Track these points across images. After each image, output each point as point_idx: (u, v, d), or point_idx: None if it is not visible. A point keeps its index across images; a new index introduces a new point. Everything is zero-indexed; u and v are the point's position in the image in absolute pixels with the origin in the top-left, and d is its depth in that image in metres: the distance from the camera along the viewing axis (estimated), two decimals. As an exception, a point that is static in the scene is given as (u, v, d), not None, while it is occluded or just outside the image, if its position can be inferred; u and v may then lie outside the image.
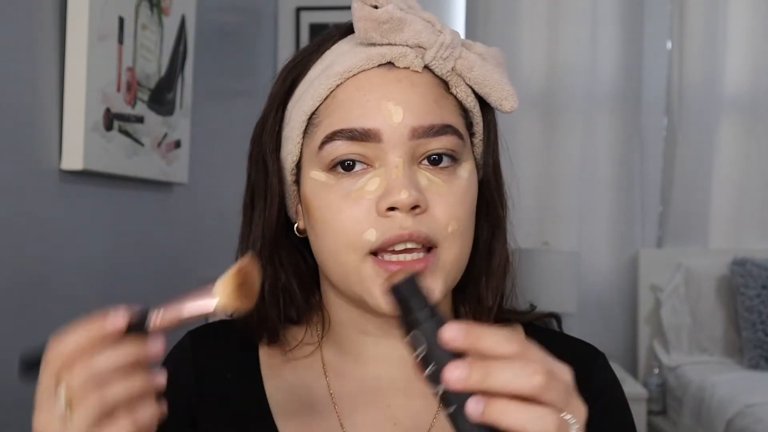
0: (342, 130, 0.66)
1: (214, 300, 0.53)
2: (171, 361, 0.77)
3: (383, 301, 0.64)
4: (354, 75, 0.68)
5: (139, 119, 1.60)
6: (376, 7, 0.67)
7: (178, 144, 1.82)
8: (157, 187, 1.79)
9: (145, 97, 1.63)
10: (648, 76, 3.21)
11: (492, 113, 0.74)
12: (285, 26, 3.13)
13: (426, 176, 0.67)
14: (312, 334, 0.77)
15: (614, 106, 3.18)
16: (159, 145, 1.71)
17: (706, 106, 3.13)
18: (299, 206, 0.73)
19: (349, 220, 0.65)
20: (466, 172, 0.69)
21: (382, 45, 0.68)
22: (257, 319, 0.74)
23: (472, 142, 0.72)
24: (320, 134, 0.68)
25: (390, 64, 0.68)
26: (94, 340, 0.54)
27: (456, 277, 0.69)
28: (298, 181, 0.72)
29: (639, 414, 2.72)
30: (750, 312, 2.85)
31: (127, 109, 1.54)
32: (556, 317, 0.83)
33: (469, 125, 0.72)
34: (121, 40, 1.49)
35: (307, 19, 3.12)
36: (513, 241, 0.78)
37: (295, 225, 0.74)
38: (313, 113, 0.69)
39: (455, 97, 0.70)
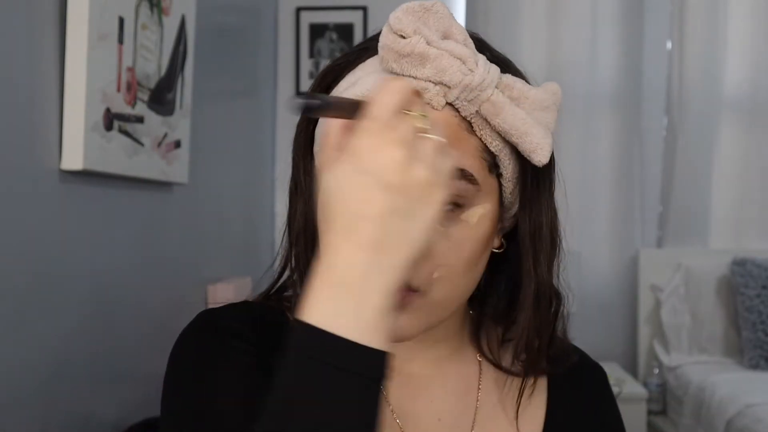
0: None
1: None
2: (202, 332, 0.73)
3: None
4: None
5: (139, 119, 1.60)
6: (403, 36, 0.63)
7: (178, 144, 1.82)
8: (157, 187, 1.79)
9: (145, 97, 1.63)
10: (648, 76, 3.21)
11: (530, 163, 0.67)
12: (285, 26, 3.13)
13: None
14: None
15: (614, 106, 3.19)
16: (159, 145, 1.71)
17: (706, 106, 3.13)
18: None
19: None
20: (476, 216, 0.66)
21: (403, 76, 0.63)
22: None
23: (499, 182, 0.68)
24: None
25: None
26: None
27: (441, 316, 0.69)
28: None
29: (639, 414, 2.72)
30: (750, 312, 2.85)
31: (127, 109, 1.54)
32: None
33: (495, 166, 0.67)
34: (121, 40, 1.49)
35: (307, 19, 3.12)
36: (561, 284, 0.75)
37: None
38: None
39: (480, 138, 0.66)
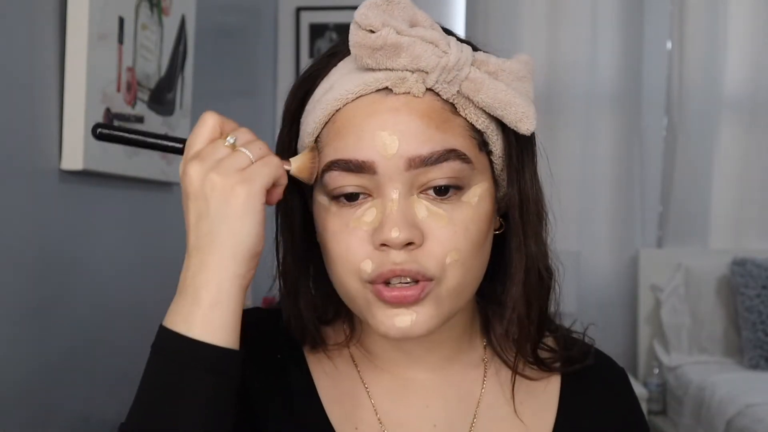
0: (338, 161, 0.65)
1: (290, 165, 0.67)
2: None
3: (385, 327, 0.65)
4: (352, 100, 0.66)
5: (139, 119, 1.60)
6: (372, 31, 0.63)
7: (178, 144, 1.82)
8: (157, 187, 1.79)
9: (145, 97, 1.63)
10: (648, 76, 3.21)
11: (516, 134, 0.69)
12: (285, 26, 3.14)
13: (426, 206, 0.65)
14: (336, 340, 0.77)
15: (614, 106, 3.18)
16: (159, 145, 1.71)
17: (706, 106, 3.13)
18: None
19: (348, 249, 0.66)
20: (476, 197, 0.67)
21: (380, 70, 0.65)
22: (298, 327, 0.75)
23: (490, 160, 0.69)
24: (323, 160, 0.67)
25: (388, 89, 0.65)
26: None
27: (456, 306, 0.68)
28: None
29: (639, 414, 2.72)
30: (750, 312, 2.85)
31: (127, 109, 1.54)
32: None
33: (484, 143, 0.68)
34: (121, 40, 1.49)
35: (307, 19, 3.12)
36: (553, 256, 0.77)
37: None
38: (317, 136, 0.68)
39: (465, 118, 0.67)
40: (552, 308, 0.76)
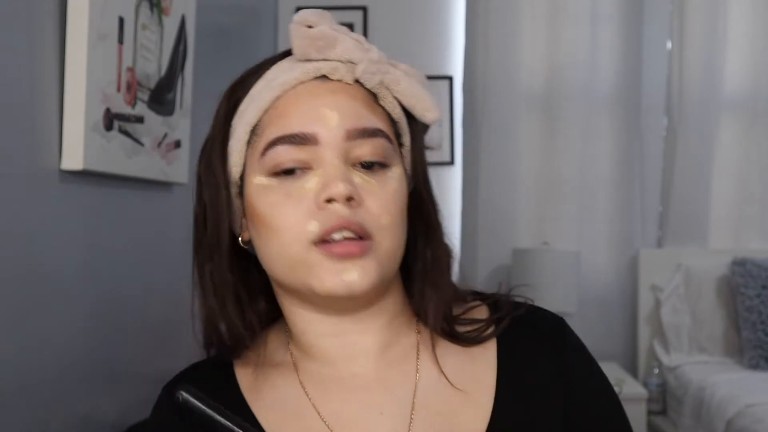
0: (284, 136, 0.72)
1: None
2: (152, 423, 0.80)
3: (331, 283, 0.70)
4: (293, 87, 0.75)
5: (139, 119, 1.60)
6: (310, 26, 0.75)
7: (178, 144, 1.82)
8: (157, 187, 1.79)
9: (145, 97, 1.63)
10: (648, 76, 3.21)
11: (417, 125, 0.79)
12: (285, 26, 3.11)
13: (359, 176, 0.73)
14: (278, 345, 0.80)
15: (614, 106, 3.19)
16: (159, 145, 1.71)
17: (706, 106, 3.13)
18: (243, 219, 0.78)
19: (291, 216, 0.71)
20: (396, 176, 0.75)
21: (317, 60, 0.75)
22: (229, 334, 0.78)
23: (401, 153, 0.78)
24: (263, 142, 0.74)
25: (324, 77, 0.75)
26: None
27: (390, 269, 0.74)
28: (241, 194, 0.77)
29: (639, 414, 2.72)
30: (750, 312, 2.86)
31: (127, 109, 1.54)
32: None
33: (398, 135, 0.78)
34: (121, 40, 1.49)
35: (307, 19, 3.12)
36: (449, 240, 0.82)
37: (239, 237, 0.78)
38: (256, 125, 0.75)
39: (384, 108, 0.77)
40: (454, 280, 0.81)
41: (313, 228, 0.70)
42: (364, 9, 3.07)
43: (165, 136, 1.74)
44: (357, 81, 0.76)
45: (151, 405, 0.81)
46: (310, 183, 0.72)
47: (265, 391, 0.78)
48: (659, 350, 3.07)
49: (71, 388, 1.39)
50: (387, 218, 0.72)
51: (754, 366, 2.81)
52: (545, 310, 0.83)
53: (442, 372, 0.76)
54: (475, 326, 0.79)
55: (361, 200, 0.71)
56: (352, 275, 0.70)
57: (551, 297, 2.82)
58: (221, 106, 0.79)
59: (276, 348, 0.81)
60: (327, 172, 0.71)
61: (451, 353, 0.78)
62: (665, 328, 3.04)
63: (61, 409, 1.36)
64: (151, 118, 1.67)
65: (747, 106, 3.17)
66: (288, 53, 0.79)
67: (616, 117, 3.19)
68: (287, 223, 0.71)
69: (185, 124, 1.87)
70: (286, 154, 0.72)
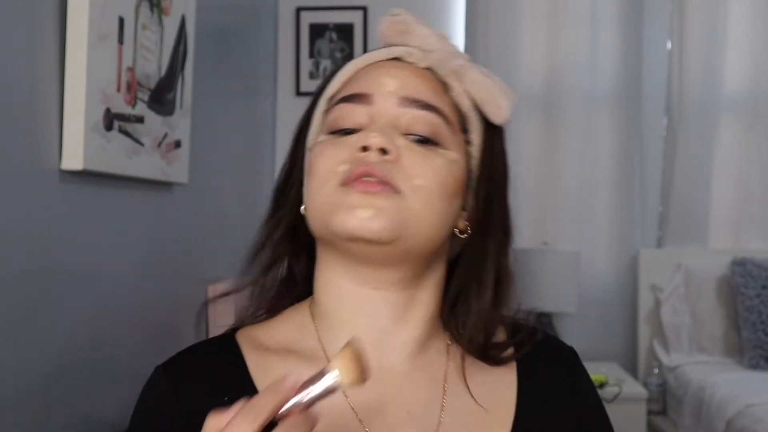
0: (345, 96, 0.76)
1: (335, 377, 0.54)
2: (148, 404, 0.75)
3: (345, 219, 0.68)
4: (369, 65, 0.78)
5: (139, 119, 1.60)
6: (395, 16, 0.80)
7: (178, 144, 1.82)
8: (157, 187, 1.79)
9: (145, 97, 1.63)
10: (648, 76, 3.21)
11: (494, 131, 0.78)
12: (285, 26, 3.13)
13: (406, 142, 0.72)
14: (307, 330, 0.77)
15: (614, 106, 3.18)
16: (159, 145, 1.71)
17: (706, 106, 3.13)
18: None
19: (329, 159, 0.72)
20: (448, 157, 0.73)
21: (397, 45, 0.78)
22: (261, 291, 0.79)
23: (467, 149, 0.77)
24: (331, 107, 0.77)
25: (399, 59, 0.78)
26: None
27: (413, 230, 0.70)
28: None
29: (639, 414, 2.72)
30: (750, 312, 2.85)
31: (127, 109, 1.54)
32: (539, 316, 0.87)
33: (465, 130, 0.77)
34: (121, 40, 1.49)
35: (307, 19, 3.12)
36: (513, 269, 0.82)
37: (303, 207, 0.78)
38: (332, 97, 0.78)
39: (453, 100, 0.77)
40: (512, 307, 0.80)
41: (343, 168, 0.71)
42: (364, 9, 3.07)
43: (165, 136, 1.74)
44: (430, 69, 0.77)
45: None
46: (356, 136, 0.73)
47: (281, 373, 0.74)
48: (659, 350, 3.07)
49: (71, 388, 1.39)
50: (421, 180, 0.71)
51: (754, 366, 2.81)
52: (559, 339, 0.87)
53: (467, 387, 0.76)
54: (500, 348, 0.79)
55: (397, 157, 0.71)
56: (367, 213, 0.68)
57: (551, 297, 2.82)
58: (313, 96, 0.82)
59: (298, 335, 0.77)
60: (371, 127, 0.72)
61: (476, 368, 0.77)
62: (665, 328, 3.04)
63: (61, 409, 1.36)
64: (151, 118, 1.67)
65: (747, 106, 3.17)
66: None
67: (616, 117, 3.19)
68: (324, 167, 0.72)
69: (185, 124, 1.87)
70: (343, 111, 0.75)
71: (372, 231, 0.68)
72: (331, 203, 0.70)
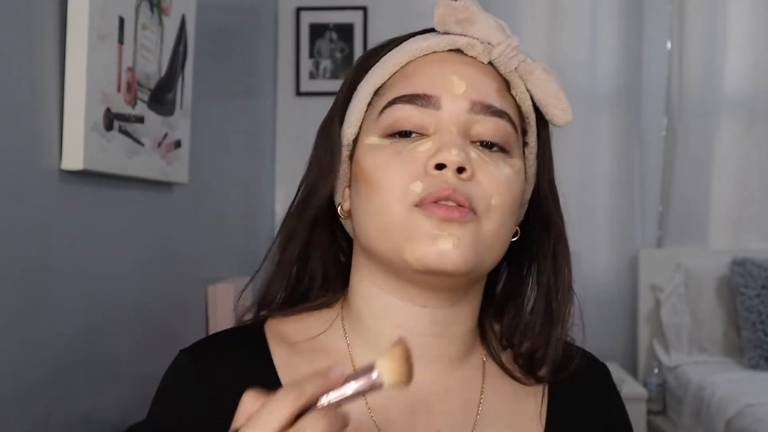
0: (405, 95, 0.68)
1: (379, 375, 0.53)
2: (170, 388, 0.72)
3: (425, 250, 0.64)
4: (425, 54, 0.71)
5: (139, 119, 1.60)
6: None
7: (178, 144, 1.82)
8: (157, 187, 1.79)
9: (145, 97, 1.63)
10: (648, 76, 3.21)
11: (547, 131, 0.75)
12: (285, 26, 3.13)
13: (477, 152, 0.68)
14: (336, 330, 0.74)
15: (614, 106, 3.19)
16: (159, 145, 1.71)
17: (706, 106, 3.13)
18: (347, 189, 0.74)
19: (397, 174, 0.66)
20: (515, 167, 0.70)
21: (456, 35, 0.71)
22: (277, 286, 0.75)
23: (524, 152, 0.73)
24: (383, 102, 0.70)
25: (459, 51, 0.71)
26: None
27: (484, 259, 0.67)
28: (351, 157, 0.73)
29: (639, 414, 2.72)
30: (750, 312, 2.86)
31: (127, 109, 1.54)
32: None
33: (524, 132, 0.73)
34: (121, 40, 1.49)
35: (307, 19, 3.12)
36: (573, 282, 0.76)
37: (339, 206, 0.74)
38: (380, 86, 0.71)
39: (514, 99, 0.72)
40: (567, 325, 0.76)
41: (417, 188, 0.65)
42: (364, 9, 3.07)
43: (165, 136, 1.75)
44: (491, 64, 0.72)
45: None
46: (423, 146, 0.67)
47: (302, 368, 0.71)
48: (659, 350, 3.07)
49: (71, 388, 1.39)
50: (498, 199, 0.66)
51: (754, 366, 2.81)
52: (592, 356, 0.82)
53: (502, 410, 0.73)
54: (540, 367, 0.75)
55: (473, 174, 0.66)
56: (447, 244, 0.63)
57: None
58: (349, 74, 0.75)
59: (327, 333, 0.74)
60: (442, 138, 0.66)
61: (507, 386, 0.74)
62: (665, 328, 3.04)
63: (61, 409, 1.36)
64: (151, 118, 1.67)
65: (747, 106, 3.17)
66: (430, 30, 0.75)
67: (616, 117, 3.19)
68: (391, 182, 0.66)
69: (185, 124, 1.87)
70: (403, 113, 0.68)
71: (454, 264, 0.64)
72: (405, 228, 0.65)
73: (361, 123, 0.72)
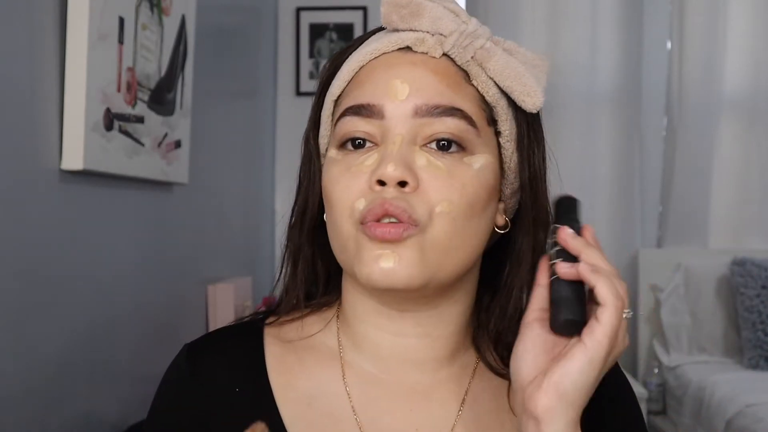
0: (351, 106, 0.68)
1: None
2: (168, 384, 0.74)
3: (369, 270, 0.64)
4: (375, 58, 0.69)
5: (139, 119, 1.60)
6: None
7: (178, 144, 1.82)
8: (157, 187, 1.79)
9: (145, 97, 1.63)
10: (648, 76, 3.21)
11: (526, 114, 0.70)
12: (285, 26, 3.13)
13: (426, 158, 0.66)
14: (330, 329, 0.75)
15: (614, 105, 3.19)
16: (159, 145, 1.71)
17: (706, 106, 3.14)
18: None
19: (345, 191, 0.66)
20: (477, 164, 0.67)
21: (404, 31, 0.69)
22: (287, 290, 0.75)
23: (498, 142, 0.70)
24: (338, 113, 0.70)
25: (409, 48, 0.69)
26: None
27: (442, 265, 0.66)
28: None
29: (639, 414, 2.72)
30: (750, 312, 2.85)
31: (127, 109, 1.54)
32: None
33: (493, 121, 0.69)
34: (121, 40, 1.49)
35: (307, 19, 3.12)
36: None
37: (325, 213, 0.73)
38: (339, 96, 0.71)
39: (476, 89, 0.69)
40: None
41: (360, 205, 0.65)
42: (364, 9, 3.07)
43: (165, 136, 1.75)
44: (446, 55, 0.69)
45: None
46: (369, 160, 0.66)
47: (298, 378, 0.72)
48: (659, 350, 3.07)
49: (71, 388, 1.40)
50: (445, 206, 0.64)
51: (754, 366, 2.81)
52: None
53: (508, 398, 0.71)
54: None
55: (416, 186, 0.64)
56: (389, 262, 0.63)
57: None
58: (320, 77, 0.75)
59: (324, 331, 0.75)
60: (385, 151, 0.65)
61: (496, 383, 0.73)
62: (665, 328, 3.04)
63: (61, 409, 1.36)
64: (151, 118, 1.67)
65: (747, 106, 3.17)
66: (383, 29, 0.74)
67: (616, 117, 3.19)
68: (339, 198, 0.67)
69: (185, 124, 1.87)
70: (351, 126, 0.67)
71: (399, 282, 0.64)
72: (354, 246, 0.66)
73: (329, 133, 0.72)
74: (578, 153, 3.14)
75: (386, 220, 0.64)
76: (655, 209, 3.28)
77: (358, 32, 3.07)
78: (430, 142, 0.66)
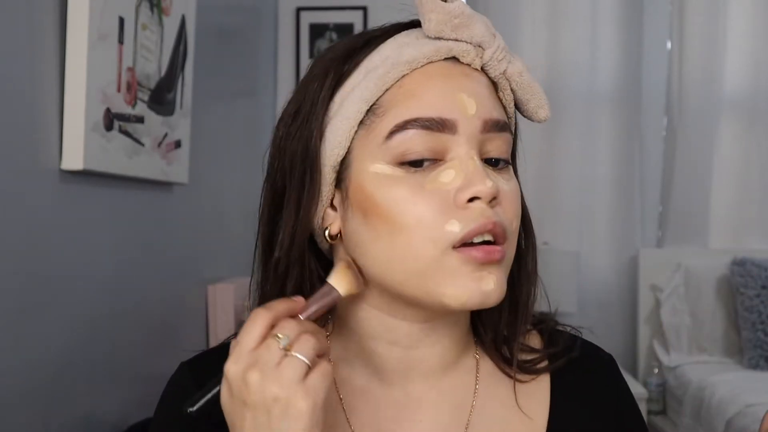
0: (417, 118, 0.63)
1: (334, 288, 0.64)
2: (172, 397, 0.72)
3: (469, 293, 0.62)
4: (422, 66, 0.66)
5: (139, 119, 1.60)
6: (445, 0, 0.66)
7: (178, 144, 1.82)
8: (157, 187, 1.79)
9: (145, 97, 1.63)
10: (648, 76, 3.21)
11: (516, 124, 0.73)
12: (285, 26, 3.13)
13: (492, 173, 0.65)
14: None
15: (614, 106, 3.19)
16: (159, 145, 1.71)
17: (706, 106, 3.14)
18: (329, 210, 0.68)
19: (427, 212, 0.62)
20: (514, 177, 0.69)
21: (448, 40, 0.66)
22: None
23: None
24: (387, 124, 0.64)
25: (454, 59, 0.67)
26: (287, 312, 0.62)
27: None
28: (338, 180, 0.67)
29: (639, 414, 2.72)
30: (750, 312, 2.86)
31: (127, 109, 1.54)
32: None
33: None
34: (121, 40, 1.49)
35: (307, 19, 3.12)
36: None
37: (326, 230, 0.68)
38: (375, 103, 0.65)
39: (501, 101, 0.69)
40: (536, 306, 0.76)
41: (454, 228, 0.61)
42: (364, 9, 3.07)
43: (165, 136, 1.75)
44: (482, 69, 0.68)
45: (151, 405, 0.80)
46: (446, 177, 0.63)
47: None
48: (659, 350, 3.07)
49: (71, 388, 1.40)
50: (516, 222, 0.65)
51: (754, 366, 2.81)
52: (597, 348, 0.81)
53: (515, 393, 0.72)
54: (531, 356, 0.74)
55: (500, 200, 0.64)
56: (490, 284, 0.62)
57: (551, 297, 2.82)
58: (320, 79, 0.67)
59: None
60: (467, 167, 0.63)
61: (504, 382, 0.72)
62: (665, 328, 3.04)
63: (61, 409, 1.36)
64: (151, 118, 1.67)
65: (747, 106, 3.17)
66: (403, 26, 0.70)
67: (616, 117, 3.19)
68: (420, 221, 0.62)
69: (185, 124, 1.87)
70: (418, 140, 0.63)
71: (494, 302, 0.63)
72: (441, 271, 0.62)
73: (351, 143, 0.66)
74: (578, 153, 3.14)
75: (479, 239, 0.62)
76: (655, 209, 3.28)
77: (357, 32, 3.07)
78: (483, 159, 0.65)
